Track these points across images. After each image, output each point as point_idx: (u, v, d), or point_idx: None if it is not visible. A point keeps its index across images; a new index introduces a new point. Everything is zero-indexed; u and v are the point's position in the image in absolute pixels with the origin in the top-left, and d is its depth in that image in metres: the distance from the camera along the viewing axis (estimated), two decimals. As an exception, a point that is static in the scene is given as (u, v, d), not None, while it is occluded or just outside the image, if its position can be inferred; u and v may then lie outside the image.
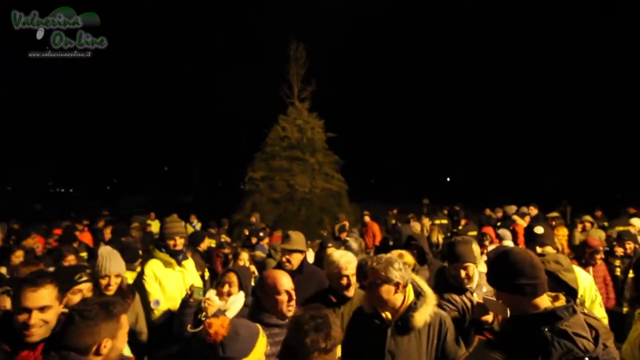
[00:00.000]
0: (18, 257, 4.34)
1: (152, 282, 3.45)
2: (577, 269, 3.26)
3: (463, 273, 2.79)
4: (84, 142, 36.38)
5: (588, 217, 7.85)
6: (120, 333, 1.61)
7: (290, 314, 2.23)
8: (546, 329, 1.67)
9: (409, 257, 3.62)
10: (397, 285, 2.19)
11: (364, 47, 36.43)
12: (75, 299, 2.41)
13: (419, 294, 2.27)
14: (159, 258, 3.56)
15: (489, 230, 7.17)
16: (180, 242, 3.60)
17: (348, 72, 33.61)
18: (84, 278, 2.53)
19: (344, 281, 2.72)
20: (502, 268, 1.85)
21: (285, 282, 2.32)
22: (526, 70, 32.70)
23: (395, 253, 3.58)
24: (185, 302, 2.74)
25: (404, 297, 2.24)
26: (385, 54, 37.79)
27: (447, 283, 2.87)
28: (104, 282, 2.87)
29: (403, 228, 5.40)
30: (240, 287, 2.79)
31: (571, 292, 2.18)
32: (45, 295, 1.82)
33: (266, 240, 6.64)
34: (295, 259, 3.43)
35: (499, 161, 33.04)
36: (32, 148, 31.16)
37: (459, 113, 35.66)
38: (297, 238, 3.50)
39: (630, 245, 5.15)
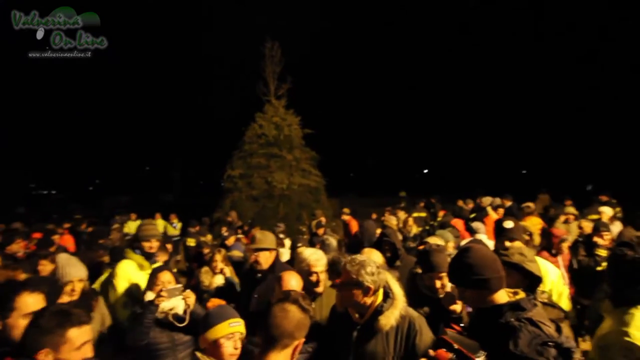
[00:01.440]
0: None
1: (122, 282, 3.52)
2: (547, 264, 3.36)
3: (438, 283, 2.74)
4: (64, 144, 35.61)
5: (572, 210, 7.53)
6: (64, 348, 1.54)
7: None
8: (512, 319, 1.78)
9: (377, 257, 3.57)
10: (367, 289, 2.14)
11: (339, 45, 36.56)
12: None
13: (387, 295, 2.23)
14: (132, 259, 3.60)
15: (457, 223, 7.33)
16: (155, 245, 3.69)
17: (324, 69, 33.69)
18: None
19: (313, 278, 2.78)
20: (466, 265, 1.91)
21: (289, 283, 2.51)
22: (500, 61, 33.43)
23: (365, 252, 3.58)
24: (149, 309, 2.76)
25: (374, 298, 2.19)
26: (360, 50, 37.96)
27: (419, 292, 2.81)
28: (68, 288, 2.97)
29: (366, 225, 5.40)
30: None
31: (536, 281, 2.36)
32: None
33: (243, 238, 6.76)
34: (263, 258, 3.38)
35: (475, 153, 33.83)
36: (12, 149, 30.39)
37: (434, 106, 36.25)
38: (263, 237, 3.45)
39: (608, 236, 4.84)
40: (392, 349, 2.16)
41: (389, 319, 2.14)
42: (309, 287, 2.78)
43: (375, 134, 36.94)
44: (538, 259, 3.50)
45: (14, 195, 26.25)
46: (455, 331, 1.91)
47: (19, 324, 1.73)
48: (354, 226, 9.45)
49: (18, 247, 5.42)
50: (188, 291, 2.92)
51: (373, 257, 3.51)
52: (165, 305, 2.78)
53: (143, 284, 3.52)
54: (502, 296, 1.90)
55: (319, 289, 2.83)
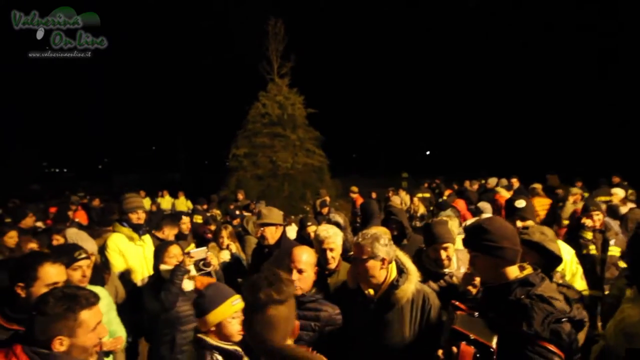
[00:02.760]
0: (11, 237, 4.23)
1: (115, 255, 3.60)
2: (560, 243, 3.16)
3: (443, 254, 2.72)
4: (74, 123, 35.89)
5: (578, 190, 7.30)
6: (79, 332, 1.48)
7: (297, 291, 2.20)
8: (523, 296, 1.71)
9: (385, 233, 3.62)
10: (382, 260, 2.17)
11: (343, 23, 35.82)
12: (75, 275, 2.51)
13: (401, 271, 2.25)
14: (121, 232, 3.69)
15: (459, 203, 7.21)
16: (142, 216, 3.78)
17: (327, 47, 33.12)
18: (83, 255, 2.60)
19: (326, 254, 2.78)
20: (486, 231, 1.85)
21: (299, 258, 2.32)
22: (505, 42, 32.67)
23: (372, 230, 3.76)
24: (176, 269, 2.97)
25: (387, 273, 2.22)
26: (365, 29, 37.20)
27: (424, 268, 2.76)
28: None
29: (368, 204, 5.40)
30: None
31: (555, 261, 2.30)
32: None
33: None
34: (269, 233, 3.41)
35: (478, 135, 33.51)
36: (24, 129, 30.76)
37: (437, 87, 35.73)
38: (269, 213, 3.47)
39: (599, 217, 4.42)
40: (407, 322, 2.20)
41: (405, 293, 2.18)
42: (323, 264, 2.79)
43: (378, 115, 36.67)
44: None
45: (27, 173, 26.77)
46: (463, 312, 1.82)
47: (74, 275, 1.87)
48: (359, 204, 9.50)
49: (32, 222, 5.63)
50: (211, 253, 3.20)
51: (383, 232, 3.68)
52: (196, 255, 3.11)
53: (134, 255, 3.68)
54: (513, 272, 1.83)
55: (331, 265, 2.81)
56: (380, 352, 2.21)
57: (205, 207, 9.21)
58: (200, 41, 31.73)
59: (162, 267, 3.04)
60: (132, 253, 3.68)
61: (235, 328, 1.90)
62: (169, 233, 4.14)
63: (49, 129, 33.92)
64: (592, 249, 4.39)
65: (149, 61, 33.52)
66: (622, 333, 2.12)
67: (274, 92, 13.97)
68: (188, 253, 3.15)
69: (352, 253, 2.35)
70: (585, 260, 4.15)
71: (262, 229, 3.43)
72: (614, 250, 4.27)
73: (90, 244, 3.31)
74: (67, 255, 2.46)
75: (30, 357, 1.40)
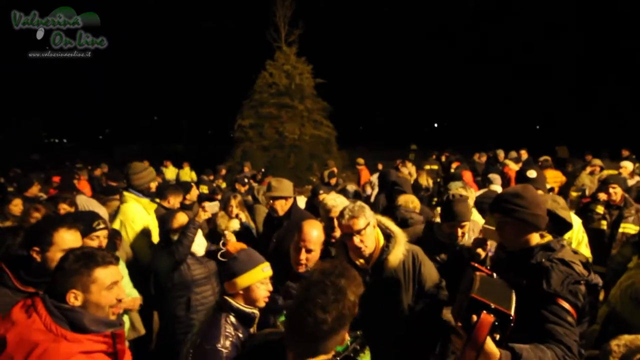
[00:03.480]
0: (16, 205, 4.26)
1: (137, 224, 3.61)
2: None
3: (459, 231, 2.74)
4: (75, 92, 35.38)
5: (598, 161, 7.19)
6: (93, 289, 1.53)
7: (300, 268, 2.19)
8: (543, 260, 1.81)
9: (416, 202, 3.75)
10: (373, 226, 2.24)
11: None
12: (92, 244, 2.51)
13: (388, 236, 2.30)
14: (135, 202, 3.69)
15: (466, 174, 7.21)
16: (154, 186, 3.87)
17: (335, 15, 31.99)
18: (101, 225, 2.62)
19: (333, 223, 2.72)
20: (522, 198, 1.90)
21: (310, 237, 2.25)
22: (513, 12, 31.40)
23: (402, 198, 3.74)
24: (190, 223, 3.08)
25: (376, 241, 2.27)
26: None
27: (436, 240, 2.81)
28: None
29: (387, 173, 5.31)
30: None
31: (566, 228, 2.40)
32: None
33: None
34: (279, 206, 3.42)
35: (486, 107, 32.90)
36: (22, 99, 30.40)
37: (446, 59, 34.81)
38: (279, 185, 3.47)
39: (615, 190, 4.22)
40: (402, 284, 2.28)
41: (396, 256, 2.24)
42: (329, 233, 2.75)
43: (386, 87, 35.91)
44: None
45: (27, 143, 26.66)
46: (482, 273, 1.78)
47: (58, 258, 1.72)
48: (364, 176, 9.52)
49: (37, 190, 5.57)
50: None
51: (415, 203, 3.70)
52: (210, 208, 3.26)
53: (152, 223, 3.71)
54: (535, 238, 1.92)
55: (337, 234, 2.71)
56: (382, 319, 2.20)
57: (211, 177, 9.12)
58: (205, 6, 30.79)
59: (172, 234, 3.07)
60: (149, 221, 3.71)
61: (262, 294, 1.91)
62: (174, 202, 4.13)
63: (48, 99, 33.46)
64: (603, 224, 4.31)
65: (151, 28, 32.57)
66: (630, 299, 2.21)
67: (282, 60, 13.63)
68: (203, 207, 3.26)
69: (341, 231, 2.30)
70: (592, 234, 3.99)
71: (272, 201, 3.44)
72: (629, 228, 4.14)
73: (102, 212, 3.39)
74: (86, 224, 2.44)
75: (49, 310, 1.44)
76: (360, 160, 10.01)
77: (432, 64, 34.95)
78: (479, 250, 2.42)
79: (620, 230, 4.17)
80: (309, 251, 2.25)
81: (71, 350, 1.42)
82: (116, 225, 3.57)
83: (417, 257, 2.30)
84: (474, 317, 1.60)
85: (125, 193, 3.72)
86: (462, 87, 34.22)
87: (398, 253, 2.24)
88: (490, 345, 1.59)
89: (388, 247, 2.26)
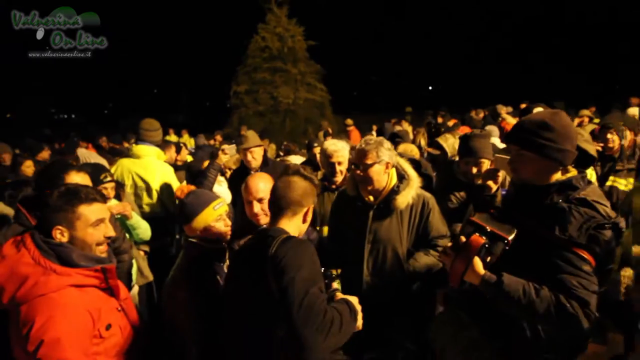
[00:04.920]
0: (28, 166, 4.47)
1: (160, 173, 3.51)
2: None
3: (474, 170, 2.55)
4: (78, 69, 35.35)
5: (586, 112, 7.00)
6: (78, 225, 1.53)
7: (260, 219, 2.11)
8: (560, 200, 1.53)
9: (416, 151, 3.73)
10: (386, 165, 2.18)
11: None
12: None
13: (402, 177, 2.26)
14: (148, 152, 3.59)
15: (464, 130, 7.03)
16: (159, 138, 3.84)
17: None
18: (108, 178, 2.67)
19: (334, 168, 2.78)
20: (550, 129, 1.54)
21: (256, 188, 2.14)
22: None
23: (402, 147, 3.71)
24: (211, 164, 3.23)
25: (388, 179, 2.22)
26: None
27: (455, 179, 2.67)
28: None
29: (383, 126, 5.33)
30: None
31: (590, 161, 2.03)
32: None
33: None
34: (258, 154, 3.51)
35: (480, 69, 31.88)
36: (30, 76, 30.52)
37: (440, 20, 33.35)
38: (252, 135, 3.58)
39: (614, 137, 3.79)
40: (406, 227, 2.24)
41: (405, 198, 2.20)
42: (330, 178, 2.82)
43: (379, 48, 34.79)
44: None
45: (38, 119, 27.19)
46: (485, 214, 1.68)
47: None
48: (354, 137, 9.57)
49: (47, 154, 5.88)
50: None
51: (414, 152, 3.69)
52: (229, 150, 3.41)
53: (169, 170, 3.64)
54: (557, 174, 1.60)
55: (339, 179, 2.81)
56: (378, 251, 2.23)
57: (212, 142, 9.39)
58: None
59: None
60: (168, 168, 3.67)
61: (222, 229, 1.92)
62: (169, 157, 4.21)
63: (56, 77, 33.49)
64: (592, 177, 3.92)
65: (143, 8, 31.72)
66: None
67: (273, 23, 13.41)
68: (223, 149, 3.35)
69: (353, 159, 2.31)
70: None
71: (250, 151, 3.46)
72: (619, 182, 3.74)
73: (102, 161, 3.43)
74: (93, 176, 2.41)
75: (37, 244, 1.47)
76: (349, 121, 10.05)
77: (426, 24, 33.66)
78: (490, 183, 2.26)
79: (609, 183, 3.75)
80: (260, 201, 2.15)
81: (61, 282, 1.44)
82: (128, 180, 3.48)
83: (427, 204, 2.25)
84: (463, 238, 1.55)
85: (138, 147, 3.58)
86: (457, 47, 33.09)
87: (407, 195, 2.20)
88: (477, 264, 1.50)
89: (399, 187, 2.21)
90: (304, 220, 1.69)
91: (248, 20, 13.89)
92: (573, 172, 1.62)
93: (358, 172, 2.20)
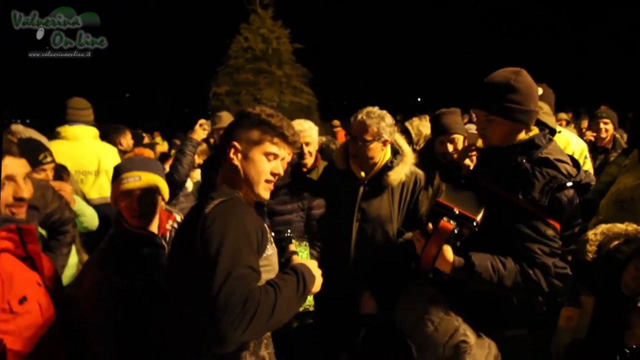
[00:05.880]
0: None
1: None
2: (571, 135, 3.09)
3: (450, 147, 2.55)
4: (41, 74, 33.55)
5: (563, 115, 7.07)
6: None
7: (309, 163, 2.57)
8: (524, 160, 1.55)
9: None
10: (385, 142, 2.13)
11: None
12: (39, 177, 2.48)
13: (396, 152, 2.22)
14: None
15: None
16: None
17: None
18: (49, 158, 2.56)
19: (302, 149, 2.64)
20: (514, 90, 1.53)
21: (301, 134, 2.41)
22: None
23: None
24: (188, 140, 3.11)
25: (382, 156, 2.19)
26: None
27: (437, 161, 2.65)
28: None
29: None
30: None
31: (551, 134, 2.01)
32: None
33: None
34: None
35: (470, 80, 32.70)
36: None
37: (430, 30, 34.11)
38: (227, 116, 3.64)
39: (607, 127, 3.76)
40: (397, 204, 2.18)
41: (398, 174, 2.14)
42: (300, 160, 2.66)
43: (368, 56, 35.07)
44: (563, 129, 3.24)
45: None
46: (452, 185, 1.69)
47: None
48: (341, 138, 9.38)
49: None
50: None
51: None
52: (207, 125, 3.33)
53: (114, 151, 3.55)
54: (521, 135, 1.63)
55: (309, 160, 2.69)
56: (366, 230, 2.14)
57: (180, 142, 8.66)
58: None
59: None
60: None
61: (133, 210, 1.73)
62: (126, 143, 4.03)
63: (11, 79, 31.60)
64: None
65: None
66: (614, 202, 2.11)
67: (257, 24, 12.95)
68: (201, 124, 3.23)
69: (352, 131, 2.22)
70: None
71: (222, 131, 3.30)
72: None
73: (44, 140, 3.09)
74: (31, 156, 2.30)
75: None
76: (336, 122, 9.87)
77: (416, 31, 34.29)
78: (467, 162, 2.13)
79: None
80: (307, 144, 2.59)
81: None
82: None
83: (419, 182, 2.23)
84: (430, 226, 1.51)
85: (73, 127, 3.26)
86: (446, 57, 33.83)
87: (400, 172, 2.15)
88: (447, 252, 1.49)
89: (392, 163, 2.15)
90: None
91: (229, 20, 13.40)
92: (535, 130, 1.65)
93: (355, 145, 2.10)
